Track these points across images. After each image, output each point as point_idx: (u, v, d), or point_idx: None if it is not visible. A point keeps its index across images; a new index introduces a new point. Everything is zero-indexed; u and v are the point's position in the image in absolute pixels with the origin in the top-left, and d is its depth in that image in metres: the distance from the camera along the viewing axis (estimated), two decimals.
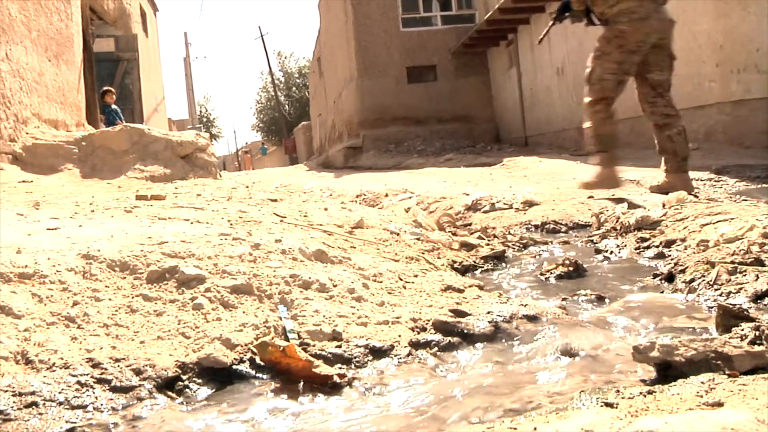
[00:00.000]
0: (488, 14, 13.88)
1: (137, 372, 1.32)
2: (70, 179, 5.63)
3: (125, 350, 1.39)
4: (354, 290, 1.84)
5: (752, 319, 1.45)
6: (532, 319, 1.71)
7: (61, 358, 1.32)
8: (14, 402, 1.17)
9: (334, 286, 1.85)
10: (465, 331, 1.61)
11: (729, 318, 1.49)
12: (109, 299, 1.61)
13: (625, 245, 2.81)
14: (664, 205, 3.16)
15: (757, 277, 1.82)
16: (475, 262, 2.72)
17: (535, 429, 0.97)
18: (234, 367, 1.40)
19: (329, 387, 1.32)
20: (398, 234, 3.03)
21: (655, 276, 2.22)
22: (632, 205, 3.43)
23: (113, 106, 10.13)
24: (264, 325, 1.57)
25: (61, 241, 2.00)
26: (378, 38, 16.51)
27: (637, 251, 2.69)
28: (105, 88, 10.31)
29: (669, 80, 3.91)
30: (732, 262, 1.98)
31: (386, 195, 5.74)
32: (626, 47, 3.79)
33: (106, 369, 1.31)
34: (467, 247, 2.94)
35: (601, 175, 3.98)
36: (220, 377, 1.38)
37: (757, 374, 1.14)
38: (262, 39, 36.71)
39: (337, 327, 1.57)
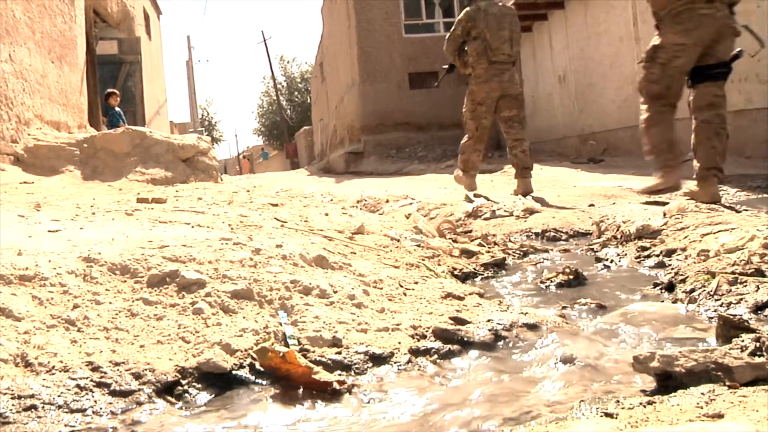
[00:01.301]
0: None
1: (137, 376, 1.32)
2: (71, 181, 5.64)
3: (125, 354, 1.39)
4: (354, 296, 1.84)
5: (753, 330, 1.45)
6: (532, 327, 1.71)
7: (61, 362, 1.32)
8: (13, 405, 1.17)
9: (335, 292, 1.85)
10: (465, 339, 1.61)
11: (729, 329, 1.49)
12: (110, 303, 1.61)
13: (626, 254, 2.81)
14: (664, 215, 3.16)
15: (758, 288, 1.81)
16: (475, 269, 2.72)
17: None
18: (234, 372, 1.40)
19: (329, 393, 1.32)
20: (399, 240, 3.04)
21: (655, 285, 2.22)
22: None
23: (116, 109, 10.15)
24: (264, 330, 1.57)
25: (61, 244, 2.00)
26: (381, 44, 16.54)
27: (638, 260, 2.69)
28: (109, 90, 10.32)
29: (518, 115, 5.50)
30: (732, 273, 1.98)
31: (387, 201, 5.74)
32: (475, 101, 5.49)
33: (105, 373, 1.31)
34: (468, 254, 2.94)
35: (461, 181, 5.76)
36: (220, 382, 1.37)
37: (757, 386, 1.13)
38: (265, 43, 36.81)
39: (337, 333, 1.57)
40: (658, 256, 2.63)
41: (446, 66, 6.05)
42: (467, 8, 5.52)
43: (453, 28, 5.63)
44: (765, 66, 6.68)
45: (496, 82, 5.39)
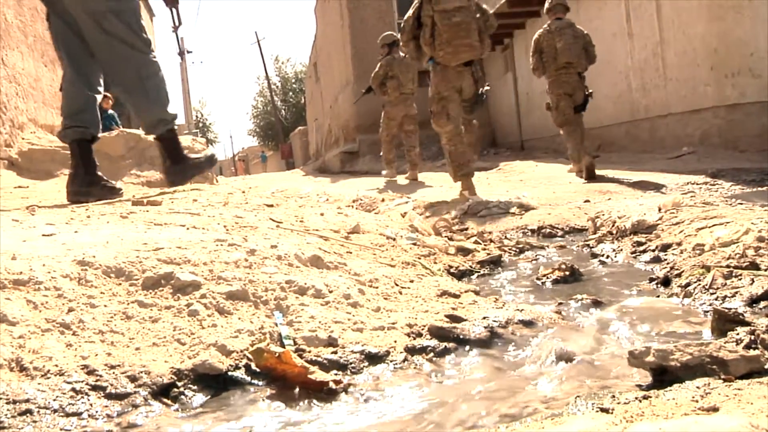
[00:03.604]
0: None
1: (132, 379, 1.31)
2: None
3: (120, 357, 1.39)
4: (350, 296, 1.83)
5: (748, 324, 1.45)
6: (528, 324, 1.71)
7: (56, 365, 1.32)
8: (8, 410, 1.16)
9: (330, 291, 1.85)
10: (461, 337, 1.61)
11: (724, 322, 1.49)
12: (105, 306, 1.61)
13: (621, 249, 2.82)
14: (660, 209, 3.17)
15: (753, 281, 1.82)
16: (471, 266, 2.72)
17: None
18: (229, 373, 1.40)
19: (325, 393, 1.32)
20: (394, 239, 3.03)
21: (651, 280, 2.22)
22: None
23: (110, 111, 10.12)
24: (260, 331, 1.56)
25: (56, 248, 2.00)
26: (374, 43, 16.46)
27: (633, 255, 2.69)
28: (103, 93, 10.27)
29: (413, 130, 9.03)
30: (728, 266, 1.98)
31: (382, 200, 5.74)
32: (389, 118, 9.02)
33: (101, 376, 1.30)
34: (463, 251, 2.94)
35: (388, 176, 9.21)
36: (216, 384, 1.37)
37: (752, 378, 1.14)
38: (259, 44, 36.82)
39: (332, 333, 1.57)
40: (653, 251, 2.64)
41: (364, 90, 9.31)
42: (386, 57, 8.89)
43: (376, 71, 8.95)
44: (758, 60, 6.70)
45: (403, 106, 8.89)
